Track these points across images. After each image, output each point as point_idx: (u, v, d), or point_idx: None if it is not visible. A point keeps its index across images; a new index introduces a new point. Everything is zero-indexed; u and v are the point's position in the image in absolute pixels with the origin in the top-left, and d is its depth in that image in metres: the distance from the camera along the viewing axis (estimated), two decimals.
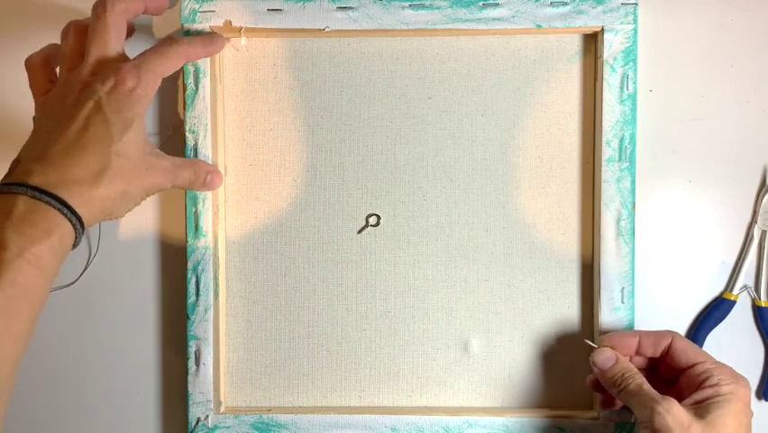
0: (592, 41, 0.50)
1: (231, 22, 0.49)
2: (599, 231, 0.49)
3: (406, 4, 0.48)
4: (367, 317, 0.52)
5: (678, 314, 0.52)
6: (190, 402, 0.50)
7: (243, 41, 0.51)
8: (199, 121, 0.49)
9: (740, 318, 0.52)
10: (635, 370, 0.45)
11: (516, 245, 0.51)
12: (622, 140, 0.49)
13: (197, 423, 0.50)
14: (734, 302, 0.51)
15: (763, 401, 0.52)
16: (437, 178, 0.51)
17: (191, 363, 0.50)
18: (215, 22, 0.49)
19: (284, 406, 0.52)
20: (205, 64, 0.49)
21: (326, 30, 0.49)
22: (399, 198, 0.51)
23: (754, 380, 0.52)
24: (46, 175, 0.37)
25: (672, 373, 0.46)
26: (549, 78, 0.51)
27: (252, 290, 0.52)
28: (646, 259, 0.51)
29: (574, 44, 0.50)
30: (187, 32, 0.49)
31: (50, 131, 0.39)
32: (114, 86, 0.39)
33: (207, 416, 0.50)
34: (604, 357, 0.46)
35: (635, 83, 0.49)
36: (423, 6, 0.48)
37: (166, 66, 0.42)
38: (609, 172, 0.49)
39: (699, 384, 0.43)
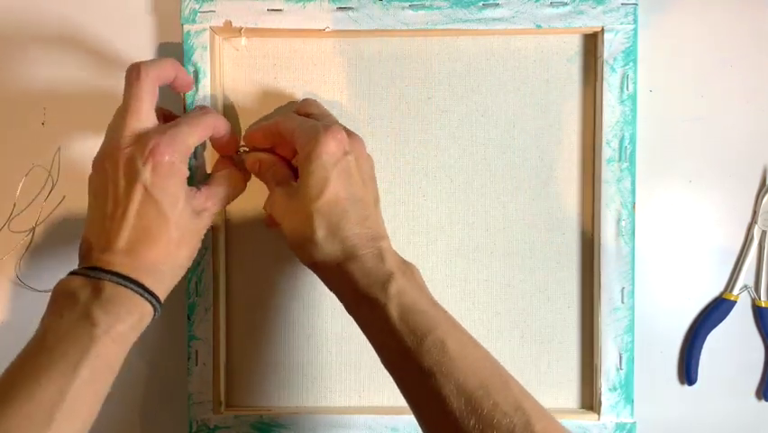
0: (592, 42, 0.50)
1: (231, 22, 0.49)
2: (599, 231, 0.49)
3: (407, 4, 0.48)
4: None
5: (678, 314, 0.52)
6: (190, 402, 0.50)
7: (243, 41, 0.51)
8: None
9: (740, 318, 0.52)
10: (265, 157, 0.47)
11: (516, 245, 0.51)
12: (622, 140, 0.49)
13: (198, 424, 0.50)
14: (734, 302, 0.51)
15: (763, 401, 0.52)
16: (437, 178, 0.51)
17: (191, 363, 0.50)
18: (215, 22, 0.49)
19: (284, 406, 0.52)
20: (205, 64, 0.49)
21: (327, 30, 0.49)
22: (399, 198, 0.51)
23: (754, 380, 0.53)
24: (124, 264, 0.40)
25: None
26: (549, 79, 0.51)
27: (253, 289, 0.52)
28: (646, 259, 0.51)
29: (574, 44, 0.50)
30: (188, 33, 0.49)
31: (110, 216, 0.41)
32: (153, 165, 0.40)
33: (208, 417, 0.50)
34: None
35: (634, 83, 0.49)
36: (423, 7, 0.48)
37: (197, 136, 0.43)
38: (609, 172, 0.49)
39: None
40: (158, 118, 0.44)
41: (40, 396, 0.36)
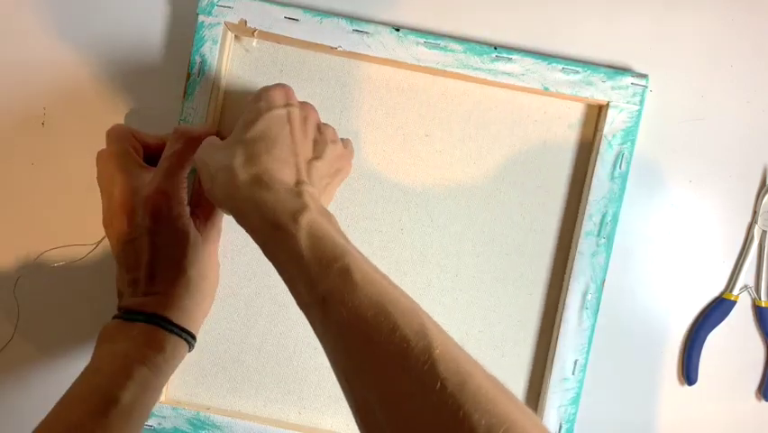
0: (595, 113, 0.50)
1: (246, 21, 0.49)
2: (564, 300, 0.50)
3: (422, 40, 0.49)
4: None
5: (678, 314, 0.52)
6: None
7: (255, 42, 0.50)
8: (195, 111, 0.49)
9: (740, 318, 0.52)
10: None
11: (481, 296, 0.51)
12: (604, 216, 0.49)
13: None
14: (734, 302, 0.51)
15: (763, 401, 0.52)
16: (418, 215, 0.51)
17: None
18: (231, 18, 0.48)
19: (223, 408, 0.52)
20: (212, 57, 0.49)
21: (339, 49, 0.49)
22: (377, 227, 0.51)
23: (754, 380, 0.53)
24: (151, 304, 0.45)
25: None
26: (547, 141, 0.51)
27: None
28: (646, 259, 0.51)
29: (577, 112, 0.51)
30: (201, 24, 0.49)
31: (131, 267, 0.46)
32: (152, 215, 0.44)
33: None
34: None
35: (629, 163, 0.49)
36: (437, 46, 0.48)
37: (178, 175, 0.45)
38: (586, 245, 0.49)
39: None
40: (143, 150, 0.47)
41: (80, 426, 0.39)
